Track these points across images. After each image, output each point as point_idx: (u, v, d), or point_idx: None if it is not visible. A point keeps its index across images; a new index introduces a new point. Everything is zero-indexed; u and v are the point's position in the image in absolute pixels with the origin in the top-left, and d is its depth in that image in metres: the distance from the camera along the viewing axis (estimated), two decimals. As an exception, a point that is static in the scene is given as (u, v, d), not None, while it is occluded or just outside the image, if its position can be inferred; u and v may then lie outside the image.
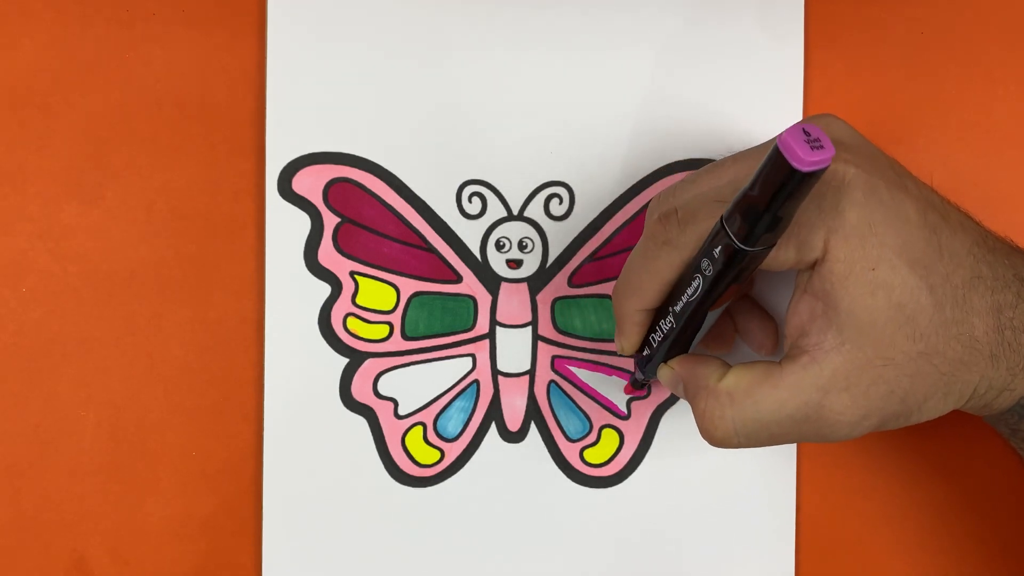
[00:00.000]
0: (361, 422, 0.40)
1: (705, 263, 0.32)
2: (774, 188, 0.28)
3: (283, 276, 0.40)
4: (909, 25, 0.41)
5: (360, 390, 0.40)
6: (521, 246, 0.40)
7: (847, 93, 0.41)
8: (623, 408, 0.41)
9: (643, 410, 0.41)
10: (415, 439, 0.41)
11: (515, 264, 0.41)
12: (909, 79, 0.41)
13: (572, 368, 0.41)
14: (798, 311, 0.33)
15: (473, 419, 0.41)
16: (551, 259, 0.41)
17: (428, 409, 0.41)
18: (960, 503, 0.41)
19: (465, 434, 0.41)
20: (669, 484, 0.41)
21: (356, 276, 0.40)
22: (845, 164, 0.31)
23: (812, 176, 0.27)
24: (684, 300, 0.33)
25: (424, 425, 0.41)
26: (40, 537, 0.40)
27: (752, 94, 0.40)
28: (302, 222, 0.40)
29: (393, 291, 0.40)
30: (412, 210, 0.40)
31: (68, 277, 0.40)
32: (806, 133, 0.27)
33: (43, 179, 0.40)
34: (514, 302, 0.41)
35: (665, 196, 0.34)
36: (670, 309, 0.34)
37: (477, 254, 0.40)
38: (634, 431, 0.41)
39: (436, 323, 0.40)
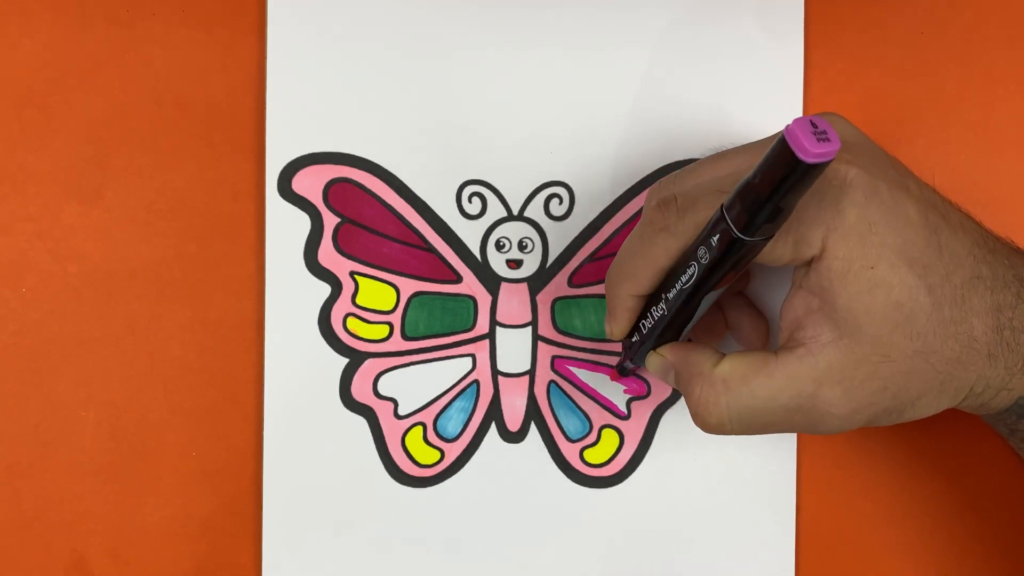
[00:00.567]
0: (361, 422, 0.40)
1: (702, 251, 0.32)
2: (777, 178, 0.28)
3: (283, 276, 0.40)
4: (909, 25, 0.41)
5: (360, 390, 0.40)
6: (521, 246, 0.40)
7: (847, 93, 0.41)
8: (623, 408, 0.41)
9: (643, 410, 0.41)
10: (415, 439, 0.41)
11: (515, 264, 0.41)
12: (909, 79, 0.41)
13: (572, 368, 0.41)
14: (794, 306, 0.33)
15: (473, 419, 0.41)
16: (551, 259, 0.41)
17: (428, 409, 0.41)
18: (960, 503, 0.41)
19: (465, 434, 0.41)
20: (669, 484, 0.41)
21: (356, 276, 0.40)
22: (847, 165, 0.31)
23: (816, 168, 0.27)
24: (678, 287, 0.33)
25: (424, 425, 0.41)
26: (40, 537, 0.40)
27: (752, 94, 0.40)
28: (302, 222, 0.40)
29: (393, 291, 0.40)
30: (412, 210, 0.40)
31: (68, 277, 0.40)
32: (813, 125, 0.27)
33: (43, 179, 0.40)
34: (514, 302, 0.41)
35: (665, 183, 0.34)
36: (663, 296, 0.34)
37: (477, 254, 0.40)
38: (634, 431, 0.41)
39: (436, 323, 0.40)
